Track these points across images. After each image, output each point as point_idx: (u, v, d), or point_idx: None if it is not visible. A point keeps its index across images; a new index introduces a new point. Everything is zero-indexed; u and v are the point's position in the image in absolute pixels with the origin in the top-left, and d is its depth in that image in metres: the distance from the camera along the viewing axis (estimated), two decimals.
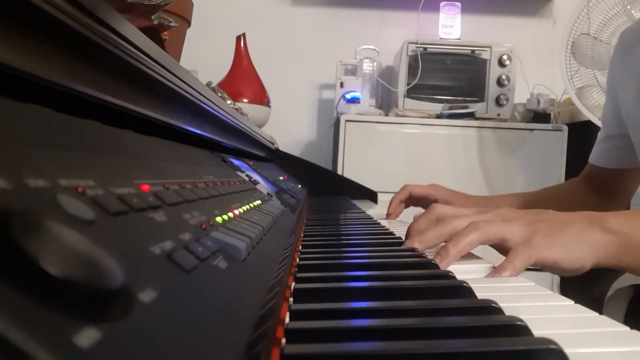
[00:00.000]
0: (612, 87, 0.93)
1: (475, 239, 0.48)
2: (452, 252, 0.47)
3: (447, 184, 1.02)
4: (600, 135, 1.00)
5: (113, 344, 0.12)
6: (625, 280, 0.81)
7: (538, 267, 0.48)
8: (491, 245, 0.50)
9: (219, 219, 0.32)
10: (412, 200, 0.98)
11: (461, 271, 0.44)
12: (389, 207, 0.97)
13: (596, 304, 0.95)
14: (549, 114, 1.84)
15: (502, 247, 0.49)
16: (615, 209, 0.97)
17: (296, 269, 0.41)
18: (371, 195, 1.45)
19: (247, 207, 0.45)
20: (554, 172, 1.76)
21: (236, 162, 0.73)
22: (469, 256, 0.51)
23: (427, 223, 0.55)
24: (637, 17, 1.47)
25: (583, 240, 0.48)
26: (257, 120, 1.55)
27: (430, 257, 0.46)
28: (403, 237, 0.59)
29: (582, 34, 1.56)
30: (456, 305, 0.31)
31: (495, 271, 0.45)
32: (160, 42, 0.59)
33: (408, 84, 1.87)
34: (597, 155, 1.00)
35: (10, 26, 0.22)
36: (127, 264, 0.16)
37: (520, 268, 0.45)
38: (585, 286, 1.07)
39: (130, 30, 0.32)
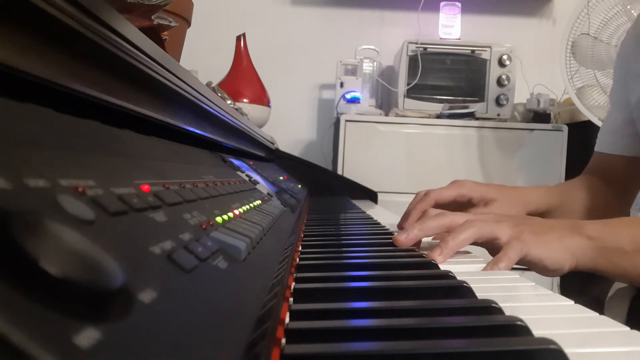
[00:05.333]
0: (622, 73, 0.88)
1: (471, 235, 0.52)
2: (450, 244, 0.50)
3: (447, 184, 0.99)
4: (606, 123, 0.94)
5: (113, 344, 0.12)
6: None
7: (523, 265, 0.51)
8: (482, 244, 0.54)
9: (219, 219, 0.32)
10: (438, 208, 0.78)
11: (461, 268, 0.47)
12: (406, 219, 0.74)
13: (596, 303, 0.94)
14: (549, 114, 1.84)
15: (492, 245, 0.52)
16: (626, 203, 0.93)
17: (296, 269, 0.41)
18: (371, 195, 1.45)
19: (247, 207, 0.45)
20: (554, 172, 1.76)
21: (236, 162, 0.73)
22: (468, 255, 0.54)
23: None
24: (637, 17, 1.47)
25: (564, 243, 0.52)
26: (257, 120, 1.55)
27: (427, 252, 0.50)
28: None
29: (582, 34, 1.56)
30: (456, 305, 0.31)
31: (492, 263, 0.48)
32: (160, 42, 0.59)
33: (408, 84, 1.87)
34: (605, 143, 0.93)
35: (10, 26, 0.22)
36: (127, 264, 0.16)
37: (514, 259, 0.49)
38: (585, 286, 1.06)
39: (130, 30, 0.32)
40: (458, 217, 0.55)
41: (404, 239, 0.54)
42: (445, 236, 0.52)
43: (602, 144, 0.94)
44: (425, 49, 1.87)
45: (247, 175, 0.68)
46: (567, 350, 0.22)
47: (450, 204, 0.78)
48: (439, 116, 1.83)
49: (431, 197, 0.78)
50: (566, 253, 0.51)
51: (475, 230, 0.52)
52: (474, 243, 0.53)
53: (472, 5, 2.12)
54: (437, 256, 0.49)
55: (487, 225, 0.52)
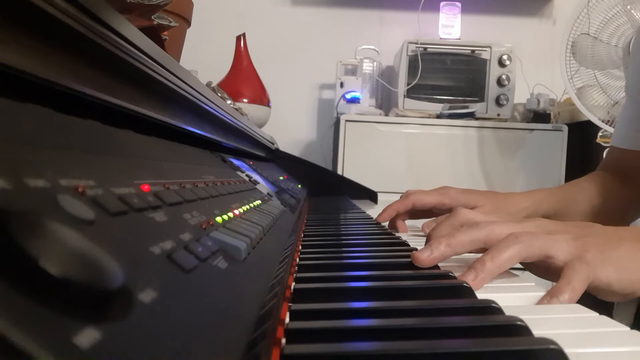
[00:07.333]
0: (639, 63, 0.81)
1: (516, 254, 0.40)
2: (489, 266, 0.39)
3: (447, 184, 0.97)
4: (622, 116, 0.85)
5: (113, 344, 0.12)
6: None
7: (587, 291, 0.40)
8: (530, 265, 0.43)
9: (219, 219, 0.32)
10: (417, 212, 0.78)
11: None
12: (381, 213, 0.77)
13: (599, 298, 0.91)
14: (549, 114, 1.84)
15: (545, 265, 0.41)
16: None
17: (296, 269, 0.41)
18: (371, 195, 1.45)
19: (247, 207, 0.45)
20: (554, 172, 1.76)
21: (236, 162, 0.73)
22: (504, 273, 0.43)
23: (451, 229, 0.47)
24: (637, 17, 1.47)
25: (637, 259, 0.41)
26: (257, 120, 1.55)
27: (456, 272, 0.40)
28: (402, 238, 0.59)
29: (582, 34, 1.56)
30: (456, 305, 0.31)
31: (551, 294, 0.37)
32: (160, 42, 0.59)
33: (408, 84, 1.87)
34: (620, 137, 0.83)
35: (10, 26, 0.22)
36: (127, 264, 0.16)
37: (580, 290, 0.37)
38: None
39: (130, 30, 0.32)
40: (498, 228, 0.43)
41: (427, 257, 0.42)
42: (482, 254, 0.41)
43: (617, 139, 0.85)
44: (425, 49, 1.87)
45: (247, 175, 0.68)
46: (567, 350, 0.22)
47: (428, 211, 0.77)
48: (439, 116, 1.83)
49: (410, 199, 0.75)
50: None
51: (522, 247, 0.40)
52: (520, 262, 0.42)
53: (472, 5, 2.13)
54: (470, 280, 0.38)
55: (537, 241, 0.40)
